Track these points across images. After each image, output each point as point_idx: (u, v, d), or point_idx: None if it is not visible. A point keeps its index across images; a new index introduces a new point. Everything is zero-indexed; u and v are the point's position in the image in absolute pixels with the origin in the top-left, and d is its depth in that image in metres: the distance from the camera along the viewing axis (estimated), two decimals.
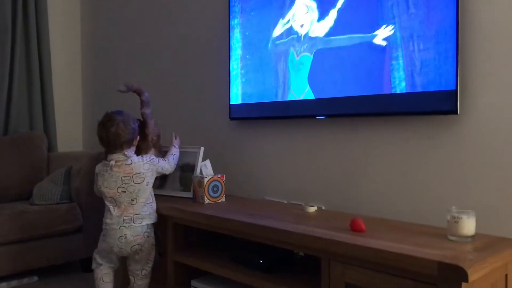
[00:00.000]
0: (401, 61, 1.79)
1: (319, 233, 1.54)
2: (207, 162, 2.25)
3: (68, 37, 3.75)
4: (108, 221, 2.03)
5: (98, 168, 2.07)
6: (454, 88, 1.66)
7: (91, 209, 2.72)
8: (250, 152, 2.49)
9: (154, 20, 3.12)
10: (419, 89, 1.74)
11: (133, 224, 2.00)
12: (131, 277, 2.14)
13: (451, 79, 1.66)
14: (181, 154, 2.38)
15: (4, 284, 2.48)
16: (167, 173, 2.21)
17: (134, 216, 2.00)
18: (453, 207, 1.49)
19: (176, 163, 2.26)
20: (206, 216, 1.90)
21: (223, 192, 2.22)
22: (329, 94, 2.02)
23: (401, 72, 1.79)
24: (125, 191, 1.98)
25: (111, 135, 2.03)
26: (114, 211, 2.01)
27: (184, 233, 2.17)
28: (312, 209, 1.97)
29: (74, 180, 2.79)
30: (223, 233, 1.91)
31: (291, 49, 2.17)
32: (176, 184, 2.40)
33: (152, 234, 2.07)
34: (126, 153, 2.02)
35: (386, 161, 1.92)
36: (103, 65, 3.63)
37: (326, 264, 1.50)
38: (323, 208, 2.12)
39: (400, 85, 1.79)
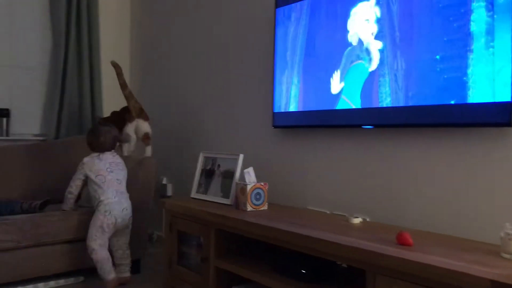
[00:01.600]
0: (454, 74, 1.74)
1: (365, 245, 1.51)
2: (250, 169, 2.25)
3: (118, 40, 3.87)
4: (109, 196, 2.48)
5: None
6: (510, 100, 1.59)
7: (136, 214, 2.77)
8: (293, 160, 2.48)
9: (202, 26, 3.18)
10: (470, 100, 1.69)
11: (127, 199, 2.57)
12: (119, 251, 2.59)
13: (506, 90, 1.60)
14: (222, 160, 2.43)
15: (52, 282, 2.57)
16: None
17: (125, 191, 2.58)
18: (507, 223, 1.43)
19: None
20: (248, 224, 1.90)
21: (265, 200, 2.22)
22: (377, 104, 1.99)
23: (453, 84, 1.74)
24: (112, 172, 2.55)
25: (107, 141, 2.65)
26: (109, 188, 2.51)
27: (226, 239, 2.18)
28: (357, 221, 1.93)
29: None
30: (265, 241, 1.90)
31: (344, 57, 2.15)
32: (218, 190, 2.42)
33: None
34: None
35: (435, 173, 1.87)
36: (150, 71, 3.72)
37: (372, 277, 1.47)
38: (367, 219, 2.08)
39: (453, 97, 1.74)
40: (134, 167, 2.83)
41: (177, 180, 3.41)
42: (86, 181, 2.60)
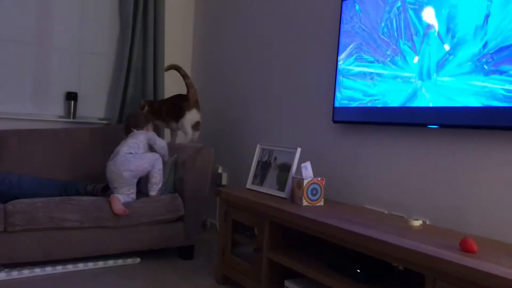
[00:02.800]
0: None
1: (426, 249, 1.46)
2: (308, 164, 2.24)
3: (181, 31, 3.95)
4: None
5: None
6: None
7: (192, 200, 2.83)
8: (351, 157, 2.44)
9: (263, 19, 3.17)
10: None
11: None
12: None
13: None
14: (279, 153, 2.43)
15: (111, 261, 2.68)
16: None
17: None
18: None
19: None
20: (305, 219, 1.89)
21: (322, 195, 2.20)
22: (445, 103, 1.91)
23: None
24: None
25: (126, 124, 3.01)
26: None
27: (280, 232, 2.18)
28: (417, 223, 1.88)
29: (178, 170, 2.92)
30: (320, 237, 1.89)
31: (418, 53, 2.08)
32: (273, 183, 2.42)
33: None
34: None
35: (502, 178, 1.78)
36: (211, 62, 3.77)
37: (431, 282, 1.42)
38: (427, 222, 2.01)
39: None
40: (192, 155, 2.89)
41: (232, 169, 3.45)
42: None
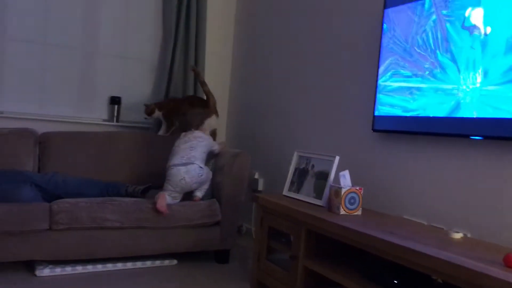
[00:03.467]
0: None
1: (468, 263, 1.43)
2: (346, 172, 2.23)
3: (221, 39, 4.01)
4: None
5: None
6: None
7: (228, 206, 2.87)
8: (391, 166, 2.41)
9: (303, 26, 3.19)
10: None
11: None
12: None
13: None
14: (317, 160, 2.43)
15: (148, 262, 2.74)
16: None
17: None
18: None
19: None
20: (343, 228, 1.88)
21: (360, 205, 2.18)
22: (491, 113, 1.87)
23: None
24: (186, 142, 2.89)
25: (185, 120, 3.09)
26: None
27: (316, 240, 2.18)
28: (458, 236, 1.84)
29: (215, 175, 2.96)
30: (356, 247, 1.88)
31: (463, 63, 2.05)
32: (310, 190, 2.42)
33: None
34: None
35: None
36: (250, 68, 3.80)
37: None
38: (468, 235, 1.97)
39: None
40: (229, 160, 2.92)
41: (268, 175, 3.47)
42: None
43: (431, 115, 2.11)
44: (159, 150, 3.29)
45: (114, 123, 3.51)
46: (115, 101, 3.50)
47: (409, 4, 2.25)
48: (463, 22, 2.00)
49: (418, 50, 2.19)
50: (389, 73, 2.35)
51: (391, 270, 1.82)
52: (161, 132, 3.45)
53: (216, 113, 3.29)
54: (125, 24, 3.61)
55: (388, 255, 1.70)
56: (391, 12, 2.36)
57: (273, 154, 3.43)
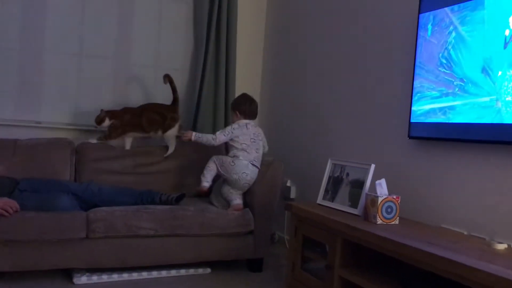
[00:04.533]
0: None
1: None
2: (383, 181, 2.19)
3: (252, 47, 4.02)
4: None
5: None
6: None
7: (261, 214, 2.86)
8: (428, 174, 2.35)
9: (337, 32, 3.16)
10: None
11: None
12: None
13: None
14: (352, 168, 2.41)
15: (183, 270, 2.75)
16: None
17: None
18: None
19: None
20: (381, 238, 1.85)
21: (397, 214, 2.14)
22: None
23: None
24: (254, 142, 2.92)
25: (255, 109, 3.02)
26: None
27: (352, 249, 2.14)
28: (501, 246, 1.77)
29: None
30: (394, 257, 1.83)
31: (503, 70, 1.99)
32: (345, 199, 2.39)
33: None
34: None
35: None
36: (281, 75, 3.80)
37: None
38: None
39: None
40: (261, 168, 2.92)
41: (301, 183, 3.44)
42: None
43: (470, 122, 2.05)
44: (190, 158, 3.30)
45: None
46: None
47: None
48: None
49: (443, 70, 2.14)
50: (416, 97, 2.30)
51: (430, 281, 1.77)
52: (94, 140, 3.20)
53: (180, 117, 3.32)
54: (157, 34, 3.66)
55: (427, 266, 1.66)
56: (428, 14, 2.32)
57: (305, 161, 3.40)
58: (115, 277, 2.58)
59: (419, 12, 2.36)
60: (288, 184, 3.53)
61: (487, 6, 2.00)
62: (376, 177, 2.29)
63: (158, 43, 3.67)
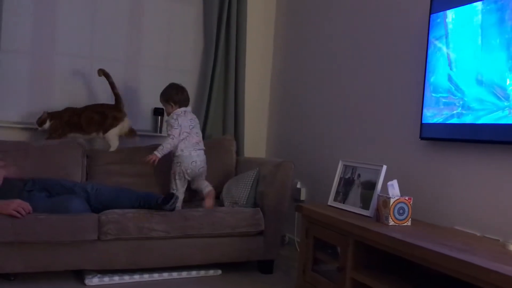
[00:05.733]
0: None
1: None
2: (394, 182, 2.17)
3: (262, 49, 4.02)
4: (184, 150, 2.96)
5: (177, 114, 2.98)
6: None
7: (272, 215, 2.85)
8: (440, 175, 2.34)
9: (346, 32, 3.15)
10: None
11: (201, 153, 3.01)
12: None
13: None
14: (363, 170, 2.40)
15: (194, 272, 2.76)
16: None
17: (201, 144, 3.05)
18: None
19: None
20: (393, 240, 1.83)
21: (409, 215, 2.12)
22: None
23: None
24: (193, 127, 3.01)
25: (187, 95, 3.07)
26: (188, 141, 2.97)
27: (364, 251, 2.13)
28: None
29: (259, 184, 2.95)
30: (406, 258, 1.82)
31: None
32: (357, 201, 2.38)
33: None
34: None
35: None
36: (291, 75, 3.79)
37: None
38: None
39: None
40: (272, 169, 2.91)
41: (311, 184, 3.43)
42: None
43: (484, 122, 2.03)
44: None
45: (158, 133, 3.57)
46: (158, 112, 3.56)
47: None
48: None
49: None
50: (438, 79, 2.29)
51: (443, 283, 1.75)
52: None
53: (126, 115, 3.24)
54: (167, 36, 3.68)
55: (440, 267, 1.64)
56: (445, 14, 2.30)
57: (315, 163, 3.40)
58: (126, 278, 2.59)
59: (431, 12, 2.35)
60: (298, 185, 3.53)
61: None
62: (387, 178, 2.28)
63: (167, 45, 3.68)
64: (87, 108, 3.19)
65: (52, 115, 3.11)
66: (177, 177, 2.98)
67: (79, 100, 3.38)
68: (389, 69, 2.74)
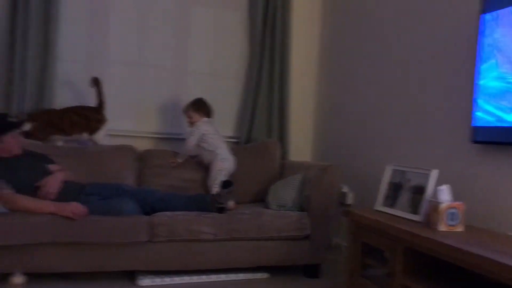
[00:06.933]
0: None
1: None
2: (446, 187, 2.13)
3: (307, 53, 4.03)
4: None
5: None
6: None
7: (318, 219, 2.85)
8: (494, 180, 2.27)
9: (395, 33, 3.11)
10: None
11: None
12: None
13: None
14: (412, 174, 2.36)
15: (241, 275, 2.79)
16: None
17: None
18: None
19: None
20: (443, 245, 1.80)
21: (461, 221, 2.07)
22: None
23: None
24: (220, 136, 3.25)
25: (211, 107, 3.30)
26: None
27: (415, 257, 2.09)
28: None
29: (305, 188, 2.96)
30: (458, 265, 1.78)
31: None
32: (406, 206, 2.34)
33: None
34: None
35: None
36: (337, 78, 3.78)
37: None
38: None
39: None
40: (318, 173, 2.91)
41: (358, 189, 3.40)
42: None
43: None
44: (245, 163, 3.35)
45: None
46: None
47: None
48: None
49: None
50: (492, 81, 2.22)
51: None
52: None
53: (107, 119, 3.26)
54: (213, 42, 3.75)
55: (493, 274, 1.59)
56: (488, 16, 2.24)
57: (362, 167, 3.36)
58: (176, 280, 2.66)
59: (482, 12, 2.29)
60: (345, 190, 3.50)
61: None
62: (437, 183, 2.23)
63: (213, 50, 3.76)
64: (67, 110, 3.20)
65: (33, 117, 3.10)
66: (225, 172, 3.14)
67: (130, 105, 3.50)
68: (440, 70, 2.68)
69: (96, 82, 3.23)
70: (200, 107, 3.25)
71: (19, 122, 2.96)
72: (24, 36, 3.15)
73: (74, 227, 2.44)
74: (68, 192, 2.65)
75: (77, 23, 3.41)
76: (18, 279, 2.11)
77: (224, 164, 3.15)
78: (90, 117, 3.20)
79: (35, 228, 2.38)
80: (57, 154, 3.00)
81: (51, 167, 2.81)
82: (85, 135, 3.21)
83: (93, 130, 3.21)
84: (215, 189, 3.05)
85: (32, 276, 2.23)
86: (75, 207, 2.46)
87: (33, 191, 2.59)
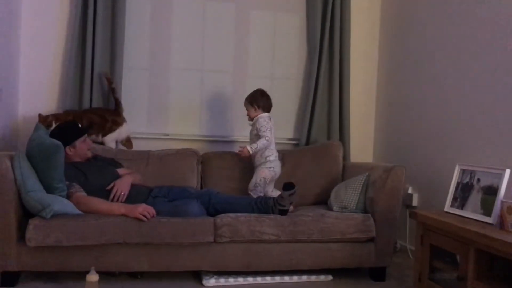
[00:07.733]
0: None
1: None
2: None
3: (366, 53, 3.96)
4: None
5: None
6: None
7: (383, 221, 2.79)
8: None
9: (465, 28, 3.00)
10: None
11: None
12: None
13: None
14: (483, 174, 2.27)
15: (304, 277, 2.78)
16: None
17: None
18: None
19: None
20: None
21: None
22: None
23: None
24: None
25: (271, 103, 3.21)
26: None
27: (487, 260, 2.01)
28: None
29: (368, 190, 2.91)
30: None
31: None
32: (477, 207, 2.25)
33: None
34: None
35: None
36: (399, 77, 3.69)
37: None
38: None
39: None
40: (382, 174, 2.85)
41: (424, 189, 3.30)
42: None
43: None
44: (305, 165, 3.36)
45: None
46: None
47: None
48: None
49: None
50: None
51: None
52: None
53: (125, 121, 3.24)
54: (272, 46, 3.78)
55: None
56: None
57: (428, 166, 3.26)
58: (240, 280, 2.69)
59: None
60: (410, 190, 3.41)
61: None
62: (511, 182, 2.13)
63: (272, 53, 3.79)
64: (87, 111, 3.23)
65: (57, 117, 3.13)
66: (268, 181, 3.09)
67: (192, 109, 3.61)
68: (511, 66, 2.55)
69: (109, 82, 3.26)
70: (265, 103, 3.17)
71: (86, 128, 3.07)
72: (93, 49, 3.33)
73: (144, 228, 2.53)
74: (136, 195, 2.77)
75: (142, 33, 3.54)
76: (93, 277, 2.23)
77: (270, 173, 3.08)
78: (107, 118, 3.21)
79: (108, 229, 2.50)
80: (123, 158, 3.14)
81: (120, 170, 2.94)
82: (100, 137, 3.23)
83: (106, 131, 3.21)
84: (254, 195, 3.05)
85: (102, 274, 2.33)
86: (144, 209, 2.55)
87: (104, 193, 2.73)
